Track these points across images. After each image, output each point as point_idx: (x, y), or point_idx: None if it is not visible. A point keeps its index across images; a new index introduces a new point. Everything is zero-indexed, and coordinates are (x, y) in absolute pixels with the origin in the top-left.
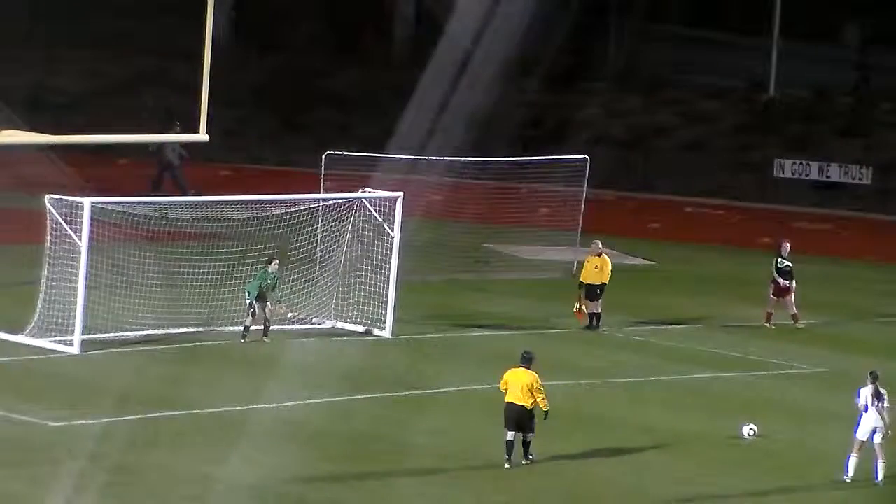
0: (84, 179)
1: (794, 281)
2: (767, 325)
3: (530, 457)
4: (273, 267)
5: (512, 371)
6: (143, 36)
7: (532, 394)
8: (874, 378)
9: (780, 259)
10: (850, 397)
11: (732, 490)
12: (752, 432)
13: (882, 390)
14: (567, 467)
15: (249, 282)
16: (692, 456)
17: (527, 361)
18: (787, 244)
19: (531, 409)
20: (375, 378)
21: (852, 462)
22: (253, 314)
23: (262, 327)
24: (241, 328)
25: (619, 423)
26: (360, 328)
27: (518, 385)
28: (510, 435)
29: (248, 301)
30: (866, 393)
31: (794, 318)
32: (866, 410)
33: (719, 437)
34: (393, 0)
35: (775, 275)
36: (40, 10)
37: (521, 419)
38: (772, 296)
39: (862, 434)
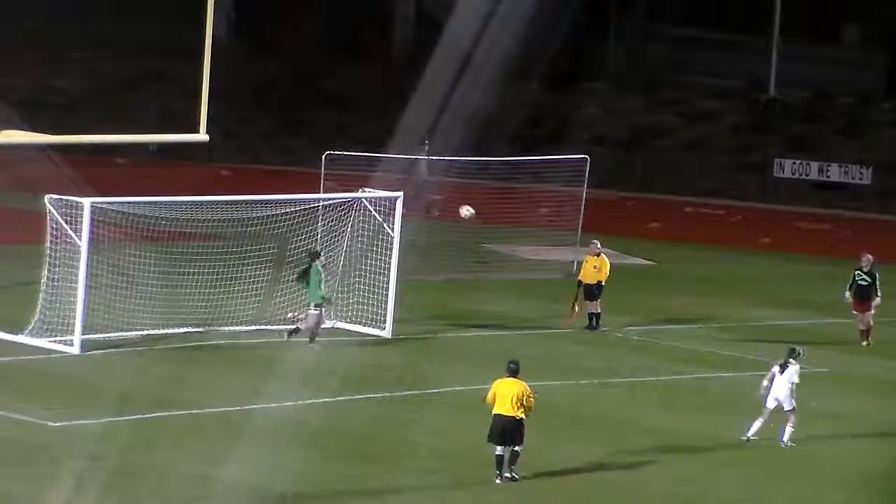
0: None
1: (876, 296)
2: (865, 342)
3: (515, 475)
4: (321, 262)
5: (499, 382)
6: (143, 36)
7: (522, 403)
8: (793, 354)
9: (857, 272)
10: (850, 397)
11: (732, 490)
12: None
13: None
14: (567, 467)
15: (303, 284)
16: (692, 456)
17: (514, 372)
18: (868, 257)
19: (520, 420)
20: (375, 378)
21: (755, 426)
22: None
23: (293, 327)
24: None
25: (618, 423)
26: (361, 328)
27: (507, 396)
28: (499, 450)
29: (317, 303)
30: (775, 369)
31: (865, 333)
32: (771, 382)
33: (719, 437)
34: (393, 0)
35: (853, 290)
36: (41, 10)
37: (509, 431)
38: (854, 311)
39: (770, 402)
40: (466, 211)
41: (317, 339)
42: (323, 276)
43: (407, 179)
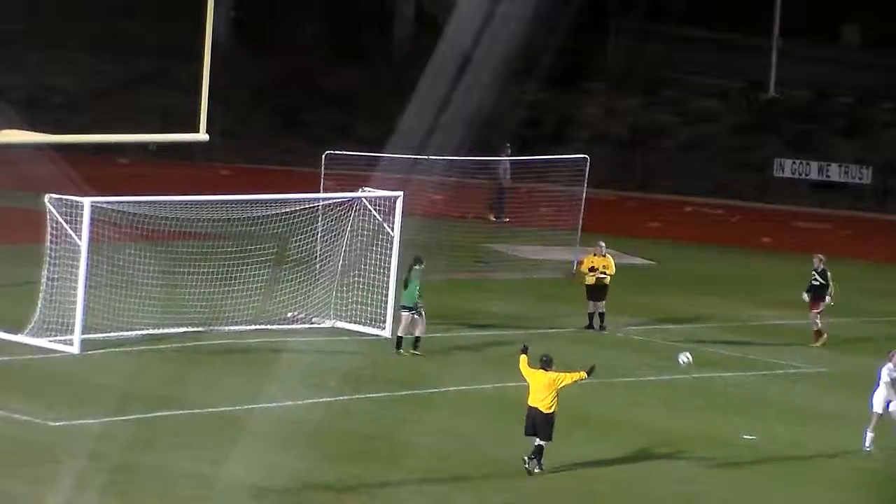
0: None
1: (827, 297)
2: (816, 343)
3: (534, 468)
4: (421, 267)
5: (531, 373)
6: (143, 36)
7: (554, 390)
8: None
9: (813, 273)
10: (850, 397)
11: (732, 490)
12: (686, 359)
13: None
14: (568, 467)
15: (404, 288)
16: (692, 456)
17: (547, 364)
18: (819, 257)
19: (547, 414)
20: (375, 377)
21: (869, 436)
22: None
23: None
24: (396, 339)
25: (619, 422)
26: (361, 327)
27: (537, 387)
28: (537, 441)
29: (410, 309)
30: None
31: (816, 333)
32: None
33: (719, 437)
34: (393, 0)
35: (810, 291)
36: (40, 10)
37: (536, 423)
38: (811, 311)
39: (877, 406)
40: (685, 357)
41: (420, 343)
42: (419, 281)
43: (491, 181)
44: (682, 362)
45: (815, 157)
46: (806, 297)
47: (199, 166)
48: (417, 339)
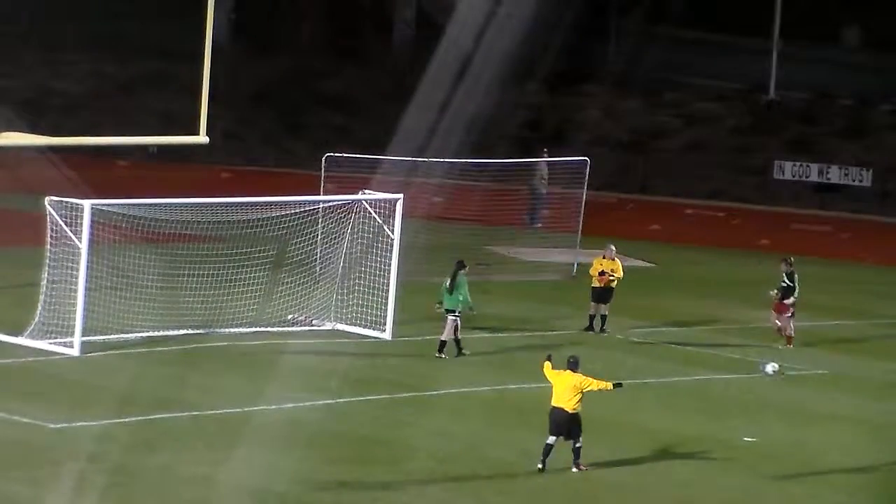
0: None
1: (791, 298)
2: (787, 345)
3: (582, 467)
4: (465, 271)
5: (556, 374)
6: (143, 37)
7: (579, 392)
8: None
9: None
10: (850, 399)
11: (732, 492)
12: (774, 369)
13: None
14: (568, 469)
15: (448, 293)
16: (692, 457)
17: (573, 365)
18: (785, 262)
19: (572, 414)
20: (376, 379)
21: None
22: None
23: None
24: (439, 342)
25: (619, 424)
26: (361, 329)
27: (562, 388)
28: (550, 439)
29: (448, 309)
30: None
31: (784, 335)
32: None
33: (719, 439)
34: (393, 1)
35: (778, 290)
36: (40, 11)
37: (563, 424)
38: (773, 311)
39: None
40: (771, 368)
41: (445, 348)
42: (465, 285)
43: (529, 186)
44: (769, 371)
45: (816, 160)
46: (774, 294)
47: (199, 168)
48: (443, 343)
